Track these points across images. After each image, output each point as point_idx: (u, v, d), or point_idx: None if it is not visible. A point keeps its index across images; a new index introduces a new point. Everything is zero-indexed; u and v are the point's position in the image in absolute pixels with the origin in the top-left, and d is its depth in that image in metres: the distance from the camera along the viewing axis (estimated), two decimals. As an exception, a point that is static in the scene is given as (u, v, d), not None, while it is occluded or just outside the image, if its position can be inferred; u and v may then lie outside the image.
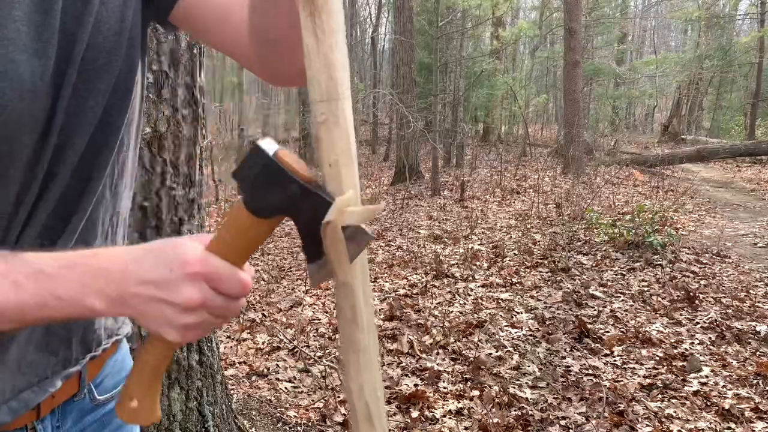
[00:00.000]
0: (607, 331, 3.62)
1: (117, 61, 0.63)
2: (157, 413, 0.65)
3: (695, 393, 2.81)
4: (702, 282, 4.55)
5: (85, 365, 0.72)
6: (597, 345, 3.43)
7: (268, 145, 0.52)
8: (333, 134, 0.50)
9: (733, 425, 2.52)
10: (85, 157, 0.62)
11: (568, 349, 3.39)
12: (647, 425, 2.53)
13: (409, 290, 4.66)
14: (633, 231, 5.60)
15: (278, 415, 2.65)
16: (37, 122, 0.55)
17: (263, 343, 3.60)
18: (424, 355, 3.34)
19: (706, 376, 2.98)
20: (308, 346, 3.53)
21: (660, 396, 2.80)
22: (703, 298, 4.13)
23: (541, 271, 5.03)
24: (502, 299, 4.34)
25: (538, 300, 4.32)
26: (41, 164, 0.57)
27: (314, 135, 0.51)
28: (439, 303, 4.31)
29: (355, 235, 0.52)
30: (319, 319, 4.06)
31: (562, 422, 2.59)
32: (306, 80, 0.54)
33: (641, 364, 3.16)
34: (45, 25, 0.54)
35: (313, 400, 2.84)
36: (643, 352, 3.31)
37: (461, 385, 2.96)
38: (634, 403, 2.73)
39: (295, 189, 0.51)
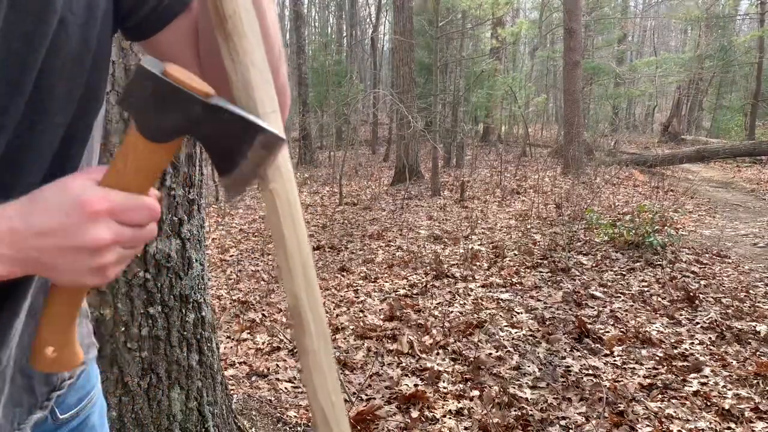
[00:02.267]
0: (607, 331, 3.62)
1: (78, 88, 0.56)
2: (79, 356, 0.60)
3: (695, 393, 2.81)
4: (702, 282, 4.54)
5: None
6: (597, 345, 3.43)
7: (154, 65, 0.47)
8: None
9: (733, 425, 2.52)
10: None
11: (568, 349, 3.39)
12: (647, 425, 2.53)
13: (409, 290, 4.66)
14: (633, 231, 5.60)
15: (278, 415, 2.64)
16: None
17: (263, 343, 3.60)
18: (424, 355, 3.34)
19: (706, 376, 2.98)
20: (308, 346, 3.53)
21: (660, 396, 2.80)
22: (703, 298, 4.13)
23: (541, 272, 5.03)
24: (502, 299, 4.34)
25: (538, 300, 4.32)
26: None
27: None
28: (439, 303, 4.31)
29: (269, 142, 0.49)
30: (319, 319, 4.06)
31: (562, 422, 2.59)
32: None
33: (641, 364, 3.16)
34: None
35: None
36: (643, 352, 3.31)
37: (461, 385, 2.96)
38: (634, 403, 2.73)
39: (196, 108, 0.47)
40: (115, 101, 1.60)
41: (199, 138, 0.50)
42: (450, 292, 4.58)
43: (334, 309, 4.26)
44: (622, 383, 2.92)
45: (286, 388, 2.98)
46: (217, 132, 0.49)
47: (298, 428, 2.56)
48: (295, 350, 3.46)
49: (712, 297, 4.17)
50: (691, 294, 4.13)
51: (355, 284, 4.92)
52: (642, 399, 2.77)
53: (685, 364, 3.13)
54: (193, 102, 0.47)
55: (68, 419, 0.73)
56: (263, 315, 4.18)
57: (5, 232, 0.47)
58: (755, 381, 2.90)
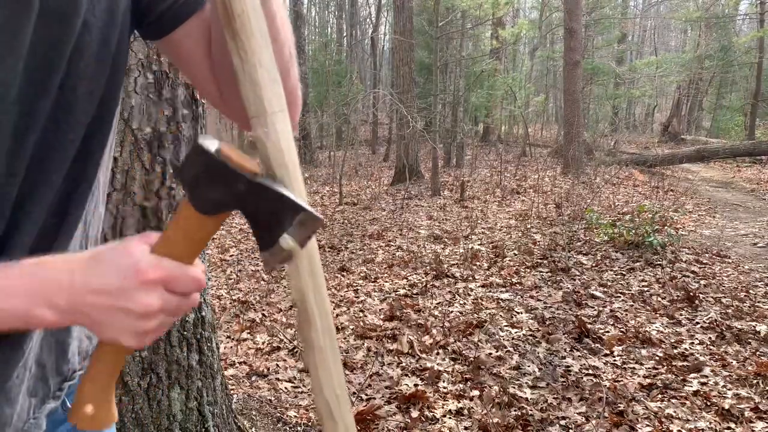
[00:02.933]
0: (607, 331, 3.62)
1: (99, 89, 0.58)
2: (114, 414, 0.63)
3: (695, 393, 2.81)
4: (702, 282, 4.54)
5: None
6: (597, 345, 3.43)
7: (210, 143, 0.52)
8: (266, 148, 0.53)
9: (733, 425, 2.52)
10: (62, 193, 0.58)
11: (568, 349, 3.39)
12: (647, 425, 2.53)
13: (409, 290, 4.66)
14: (633, 231, 5.60)
15: (278, 415, 2.65)
16: None
17: (263, 343, 3.60)
18: (424, 355, 3.34)
19: (706, 376, 2.98)
20: (308, 346, 3.53)
21: (660, 396, 2.80)
22: (703, 298, 4.13)
23: (541, 271, 5.03)
24: (502, 299, 4.34)
25: (538, 300, 4.32)
26: (6, 202, 0.53)
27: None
28: (439, 303, 4.31)
29: (307, 221, 0.52)
30: (319, 319, 4.06)
31: (562, 422, 2.59)
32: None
33: (641, 364, 3.16)
34: (10, 48, 0.49)
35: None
36: (643, 352, 3.31)
37: (461, 385, 2.96)
38: (634, 403, 2.73)
39: (242, 185, 0.51)
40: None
41: (244, 212, 0.54)
42: (450, 292, 4.58)
43: (334, 309, 4.26)
44: (622, 383, 2.92)
45: (286, 388, 2.98)
46: (260, 208, 0.53)
47: (298, 428, 2.56)
48: (295, 350, 3.46)
49: (712, 297, 4.17)
50: (691, 294, 4.13)
51: (355, 284, 4.92)
52: (642, 399, 2.77)
53: (685, 364, 3.13)
54: (240, 179, 0.51)
55: None
56: (263, 315, 4.18)
57: (66, 284, 0.50)
58: (755, 381, 2.90)
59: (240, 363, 3.29)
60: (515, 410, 2.68)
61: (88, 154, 0.60)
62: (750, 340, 3.40)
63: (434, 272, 5.06)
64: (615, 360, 3.23)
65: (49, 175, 0.56)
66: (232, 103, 0.68)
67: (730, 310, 3.87)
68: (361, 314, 4.12)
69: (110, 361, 0.59)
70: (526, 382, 2.98)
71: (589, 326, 3.64)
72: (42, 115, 0.53)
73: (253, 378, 3.09)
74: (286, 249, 0.52)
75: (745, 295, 4.19)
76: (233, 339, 3.69)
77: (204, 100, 1.90)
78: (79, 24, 0.53)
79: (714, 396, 2.76)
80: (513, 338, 3.57)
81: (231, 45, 0.52)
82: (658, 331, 3.60)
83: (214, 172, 0.51)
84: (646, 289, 4.46)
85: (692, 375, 3.00)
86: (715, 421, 2.56)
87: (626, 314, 3.91)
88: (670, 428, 2.50)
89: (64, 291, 0.49)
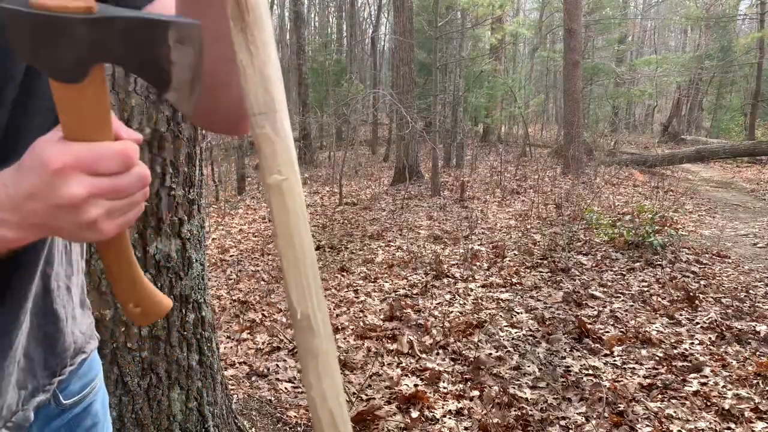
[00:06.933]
0: (607, 331, 3.62)
1: None
2: (164, 301, 0.63)
3: (695, 393, 2.81)
4: (702, 282, 4.54)
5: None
6: (597, 345, 3.43)
7: (17, 2, 0.41)
8: (274, 146, 0.50)
9: (733, 425, 2.52)
10: None
11: (568, 349, 3.39)
12: (647, 425, 2.53)
13: (409, 290, 4.66)
14: (633, 231, 5.60)
15: (278, 415, 2.65)
16: None
17: (263, 343, 3.60)
18: (424, 355, 3.34)
19: (706, 376, 2.98)
20: (308, 346, 3.53)
21: (660, 396, 2.80)
22: (703, 298, 4.13)
23: (541, 272, 5.03)
24: (502, 299, 4.34)
25: (538, 300, 4.32)
26: None
27: (256, 147, 0.50)
28: (439, 303, 4.31)
29: (184, 35, 0.44)
30: (319, 319, 4.06)
31: (562, 422, 2.59)
32: (240, 128, 0.60)
33: (641, 364, 3.16)
34: None
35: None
36: (643, 352, 3.31)
37: (461, 385, 2.96)
38: (634, 403, 2.73)
39: (82, 31, 0.41)
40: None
41: (112, 61, 0.45)
42: (450, 292, 4.58)
43: (334, 309, 4.26)
44: (622, 383, 2.92)
45: (286, 388, 2.98)
46: (125, 47, 0.43)
47: (298, 428, 2.55)
48: (295, 350, 3.46)
49: (712, 297, 4.17)
50: (691, 294, 4.13)
51: (355, 284, 4.92)
52: (642, 399, 2.77)
53: (685, 364, 3.13)
54: (74, 24, 0.41)
55: (72, 405, 0.75)
56: (263, 315, 4.18)
57: (5, 200, 0.47)
58: (755, 381, 2.90)
59: (240, 363, 3.29)
60: (515, 410, 2.68)
61: None
62: (750, 340, 3.40)
63: (434, 272, 5.06)
64: (615, 360, 3.23)
65: (19, 158, 0.56)
66: (202, 108, 0.65)
67: (730, 310, 3.87)
68: (361, 314, 4.12)
69: (114, 258, 0.57)
70: (526, 382, 2.98)
71: (589, 326, 3.64)
72: (7, 100, 0.54)
73: (253, 378, 3.09)
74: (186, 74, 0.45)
75: (745, 295, 4.19)
76: (233, 339, 3.69)
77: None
78: None
79: (714, 396, 2.76)
80: (513, 338, 3.57)
81: (238, 39, 0.49)
82: (658, 331, 3.60)
83: (43, 32, 0.41)
84: (646, 289, 4.46)
85: (692, 375, 3.00)
86: (715, 421, 2.56)
87: (626, 314, 3.91)
88: (670, 428, 2.50)
89: (6, 206, 0.47)
